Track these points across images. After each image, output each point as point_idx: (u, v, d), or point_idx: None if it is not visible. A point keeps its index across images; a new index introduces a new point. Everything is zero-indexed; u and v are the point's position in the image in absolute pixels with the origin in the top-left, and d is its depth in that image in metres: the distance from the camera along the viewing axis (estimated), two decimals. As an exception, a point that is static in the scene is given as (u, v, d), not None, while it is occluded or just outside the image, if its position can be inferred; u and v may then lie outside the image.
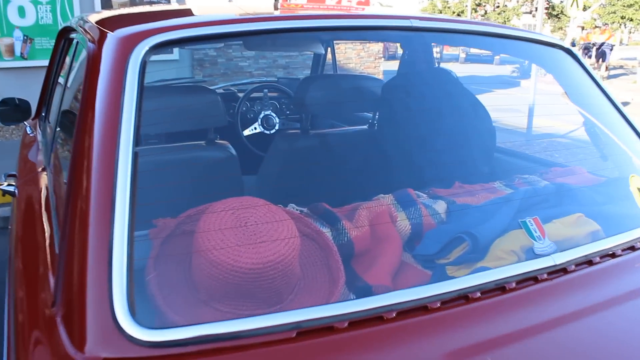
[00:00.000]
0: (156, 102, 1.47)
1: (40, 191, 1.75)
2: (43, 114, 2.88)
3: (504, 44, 1.80)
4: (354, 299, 1.09)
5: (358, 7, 1.70)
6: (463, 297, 1.07)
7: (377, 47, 10.09)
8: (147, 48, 1.21)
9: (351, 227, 1.31)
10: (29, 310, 1.14)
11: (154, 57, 1.31)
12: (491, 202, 1.49)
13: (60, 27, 3.21)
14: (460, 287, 1.07)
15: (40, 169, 2.05)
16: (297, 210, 1.37)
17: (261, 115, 3.18)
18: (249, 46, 2.71)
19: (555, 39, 1.79)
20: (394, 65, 2.37)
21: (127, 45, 1.22)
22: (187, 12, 1.67)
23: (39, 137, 2.59)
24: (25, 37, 7.84)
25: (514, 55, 2.11)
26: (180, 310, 1.06)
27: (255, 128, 3.17)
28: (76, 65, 1.80)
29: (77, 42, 1.84)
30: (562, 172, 1.80)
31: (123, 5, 8.18)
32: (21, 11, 7.78)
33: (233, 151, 1.97)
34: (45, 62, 3.13)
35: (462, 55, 19.07)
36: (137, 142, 1.11)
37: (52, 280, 1.12)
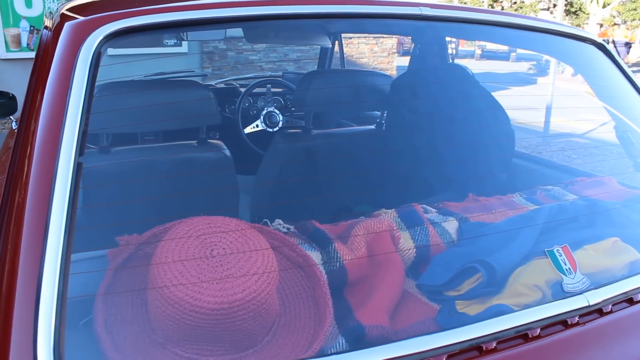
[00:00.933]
0: (117, 99, 1.28)
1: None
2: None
3: (526, 37, 1.58)
4: (338, 353, 0.89)
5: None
6: (476, 349, 0.87)
7: (390, 41, 9.84)
8: (101, 37, 1.02)
9: (345, 251, 1.11)
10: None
11: (132, 50, 1.12)
12: (510, 220, 1.29)
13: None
14: (473, 337, 0.87)
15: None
16: (284, 227, 1.18)
17: (264, 112, 2.99)
18: (248, 37, 2.51)
19: (586, 32, 1.57)
20: (408, 61, 2.17)
21: (78, 35, 1.03)
22: None
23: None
24: (31, 28, 7.71)
25: (536, 50, 1.90)
26: (132, 355, 0.87)
27: (257, 125, 2.98)
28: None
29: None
30: (590, 184, 1.59)
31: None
32: (28, 1, 7.64)
33: (227, 152, 1.77)
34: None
35: (478, 52, 18.73)
36: (82, 148, 0.92)
37: None
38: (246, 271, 0.88)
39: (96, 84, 1.00)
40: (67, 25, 1.10)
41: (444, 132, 1.65)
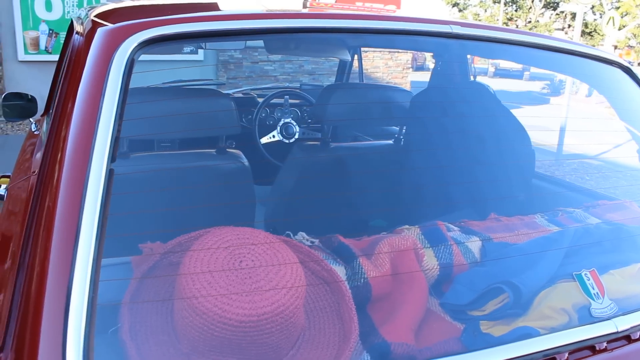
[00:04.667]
0: (148, 106, 1.29)
1: (25, 199, 1.57)
2: (50, 111, 2.73)
3: (552, 58, 1.58)
4: None
5: (389, 11, 1.52)
6: None
7: (406, 56, 9.86)
8: (135, 44, 1.02)
9: (369, 267, 1.10)
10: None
11: (151, 57, 1.13)
12: (534, 242, 1.28)
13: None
14: (503, 359, 0.86)
15: (34, 172, 1.87)
16: (307, 240, 1.17)
17: (281, 123, 3.00)
18: (269, 48, 2.52)
19: (614, 55, 1.57)
20: (421, 77, 2.18)
21: (113, 41, 1.03)
22: (208, 7, 1.48)
23: (41, 136, 2.43)
24: (50, 31, 7.79)
25: (562, 72, 1.90)
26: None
27: (273, 136, 2.99)
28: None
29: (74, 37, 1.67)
30: (611, 207, 1.58)
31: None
32: (48, 5, 7.73)
33: (245, 161, 1.77)
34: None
35: (491, 70, 18.65)
36: (114, 154, 0.92)
37: (5, 317, 0.94)
38: (275, 284, 0.88)
39: (128, 90, 1.00)
40: (100, 31, 1.11)
41: (465, 150, 1.65)
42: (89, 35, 1.13)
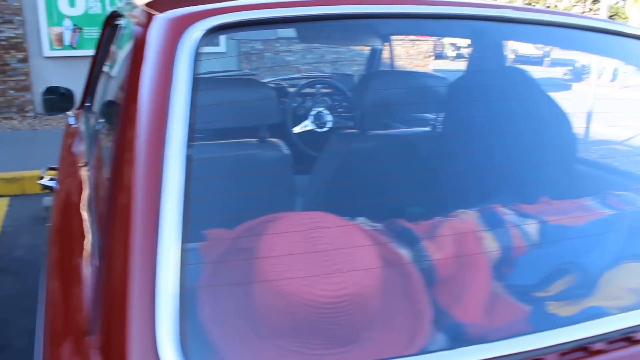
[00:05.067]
0: (208, 95, 1.30)
1: (80, 189, 1.60)
2: (87, 105, 2.77)
3: (607, 42, 1.57)
4: (447, 349, 0.89)
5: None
6: (582, 349, 0.87)
7: (427, 45, 9.81)
8: (201, 32, 1.03)
9: (433, 250, 1.12)
10: (61, 337, 0.99)
11: (210, 48, 1.14)
12: (592, 224, 1.28)
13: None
14: (581, 337, 0.87)
15: (81, 163, 1.91)
16: (368, 225, 1.19)
17: (313, 112, 3.01)
18: (303, 37, 2.52)
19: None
20: (441, 65, 2.17)
21: (176, 29, 1.04)
22: None
23: (82, 129, 2.47)
24: (74, 27, 7.86)
25: (612, 57, 1.89)
26: (238, 347, 0.89)
27: (306, 125, 3.00)
28: (121, 53, 1.64)
29: (124, 28, 1.69)
30: None
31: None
32: (71, 0, 7.79)
33: (286, 150, 1.80)
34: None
35: (511, 56, 18.42)
36: (189, 141, 0.93)
37: (88, 302, 0.96)
38: (353, 266, 0.90)
39: (197, 77, 1.01)
40: (161, 19, 1.11)
41: (511, 135, 1.65)
42: (147, 25, 1.13)
